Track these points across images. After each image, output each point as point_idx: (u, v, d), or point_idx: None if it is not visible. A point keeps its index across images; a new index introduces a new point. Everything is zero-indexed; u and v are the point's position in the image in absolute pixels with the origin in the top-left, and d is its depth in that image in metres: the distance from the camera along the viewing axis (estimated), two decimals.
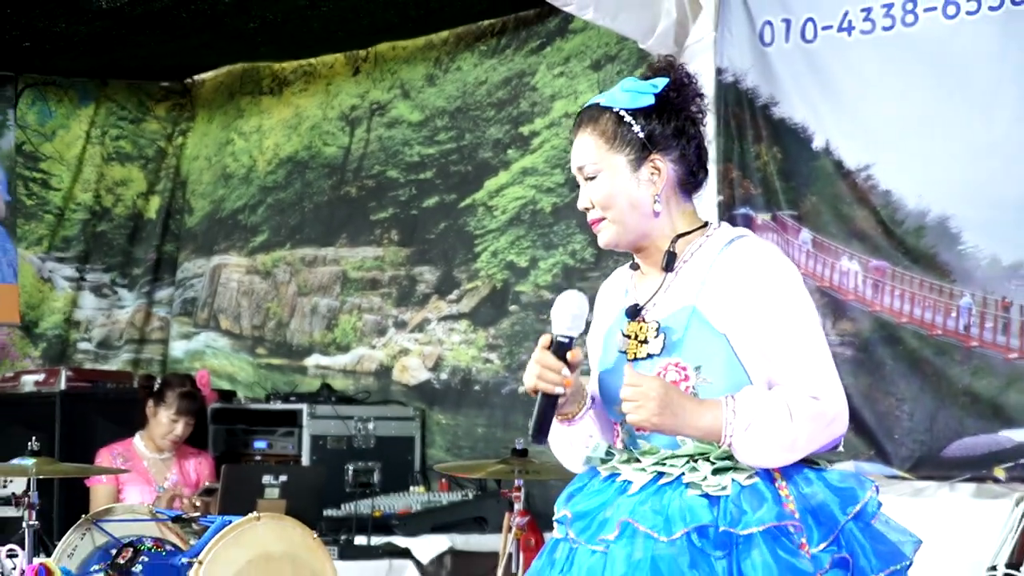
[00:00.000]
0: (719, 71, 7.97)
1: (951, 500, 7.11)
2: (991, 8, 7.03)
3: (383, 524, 8.11)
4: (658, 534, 3.50)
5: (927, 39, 7.24)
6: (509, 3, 8.75)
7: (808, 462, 3.66)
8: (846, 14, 7.49)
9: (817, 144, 7.63)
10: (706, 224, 3.81)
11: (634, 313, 3.76)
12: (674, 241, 3.75)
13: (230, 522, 6.22)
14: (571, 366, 3.68)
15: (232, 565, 6.12)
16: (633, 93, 3.75)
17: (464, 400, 9.27)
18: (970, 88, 7.11)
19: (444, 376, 9.35)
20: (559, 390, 3.66)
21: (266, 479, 7.51)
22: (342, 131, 10.26)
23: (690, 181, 3.80)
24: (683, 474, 3.60)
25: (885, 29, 7.36)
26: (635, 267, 3.89)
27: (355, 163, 10.16)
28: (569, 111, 8.80)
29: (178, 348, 11.18)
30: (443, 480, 8.81)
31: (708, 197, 7.96)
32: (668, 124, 3.74)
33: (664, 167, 3.72)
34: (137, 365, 10.95)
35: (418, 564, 7.67)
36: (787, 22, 7.74)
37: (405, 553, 7.77)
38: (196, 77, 11.23)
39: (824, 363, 3.64)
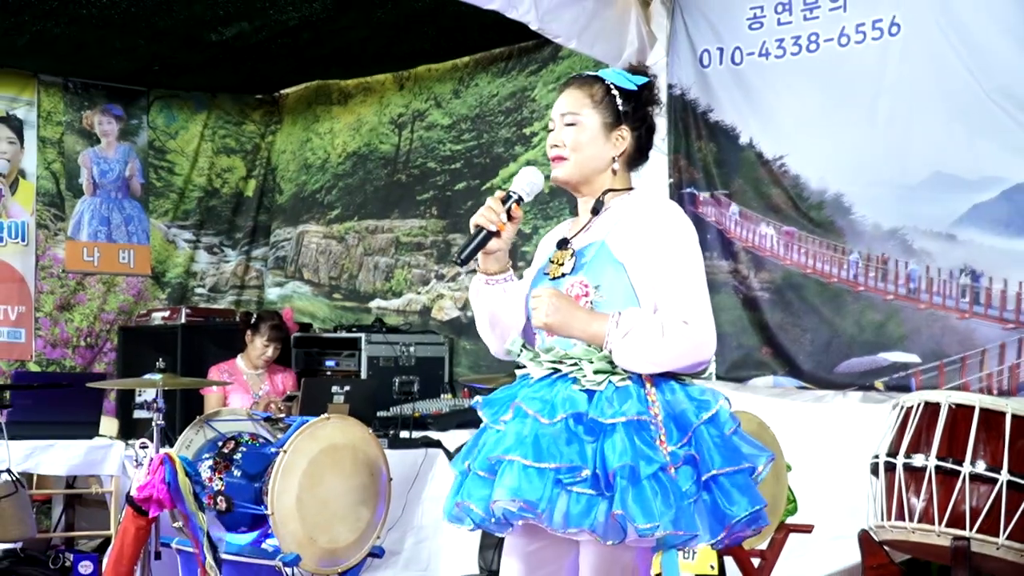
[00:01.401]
0: (670, 86, 7.96)
1: (844, 405, 7.10)
2: (874, 39, 7.04)
3: (420, 422, 8.12)
4: (543, 417, 3.42)
5: (825, 61, 7.25)
6: (514, 35, 8.70)
7: (676, 377, 3.54)
8: (764, 43, 7.49)
9: (743, 140, 7.63)
10: (632, 188, 3.77)
11: (563, 244, 3.70)
12: (605, 193, 3.71)
13: (307, 421, 6.29)
14: (511, 217, 3.64)
15: (308, 453, 6.18)
16: (623, 77, 3.72)
17: None
18: (857, 97, 7.11)
19: (469, 313, 9.33)
20: (492, 228, 3.60)
21: (334, 389, 7.48)
22: (393, 132, 10.24)
23: (636, 157, 3.75)
24: (571, 371, 3.50)
25: (793, 55, 7.37)
26: (575, 214, 3.83)
27: (403, 157, 10.13)
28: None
29: (273, 293, 11.13)
30: (465, 389, 8.82)
31: (661, 179, 7.99)
32: (638, 110, 3.71)
33: (626, 139, 3.69)
34: (238, 305, 10.93)
35: (446, 451, 7.68)
36: (720, 49, 7.74)
37: (437, 444, 7.79)
38: (283, 91, 11.17)
39: (699, 298, 3.51)
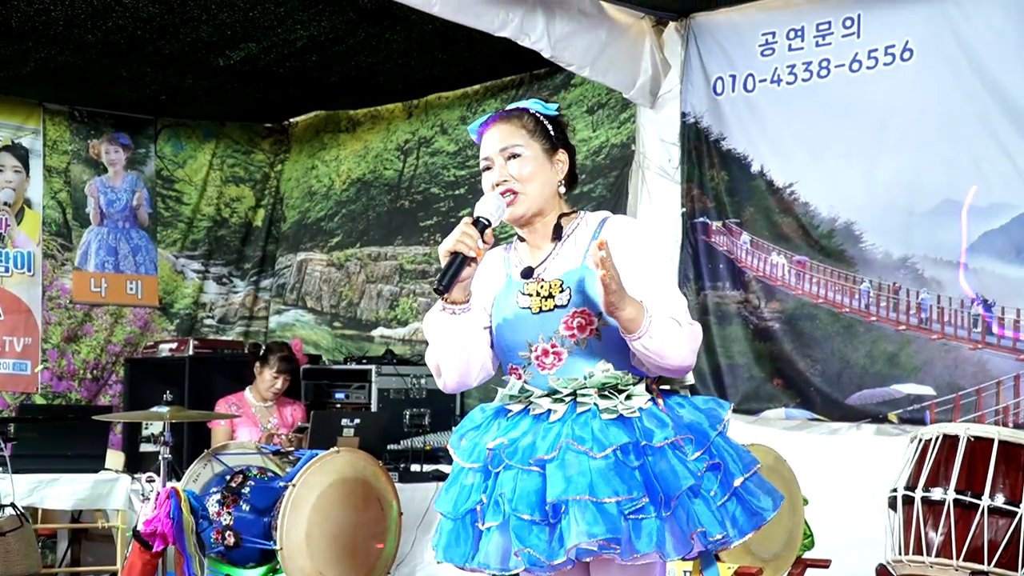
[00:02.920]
0: (683, 114, 7.97)
1: (858, 438, 7.11)
2: (885, 64, 7.04)
3: (432, 455, 8.10)
4: (593, 451, 3.41)
5: (837, 88, 7.26)
6: (525, 63, 8.72)
7: (674, 391, 3.63)
8: (776, 69, 7.50)
9: (754, 168, 7.64)
10: (578, 210, 3.75)
11: (528, 273, 3.65)
12: (560, 218, 3.68)
13: (316, 454, 6.29)
14: (485, 242, 3.54)
15: (318, 487, 6.17)
16: (543, 105, 3.71)
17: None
18: (867, 125, 7.13)
19: None
20: (471, 253, 3.49)
21: (344, 421, 7.44)
22: (397, 159, 10.24)
23: (572, 181, 3.75)
24: (596, 403, 3.50)
25: (804, 81, 7.38)
26: (522, 240, 3.76)
27: (407, 183, 10.15)
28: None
29: (273, 321, 11.15)
30: None
31: (673, 208, 7.99)
32: (563, 134, 3.72)
33: (565, 162, 3.69)
34: (247, 336, 10.94)
35: None
36: (733, 77, 7.75)
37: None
38: (291, 119, 11.19)
39: (685, 302, 3.57)
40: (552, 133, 3.69)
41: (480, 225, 3.53)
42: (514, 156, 3.64)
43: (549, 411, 3.57)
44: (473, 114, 9.61)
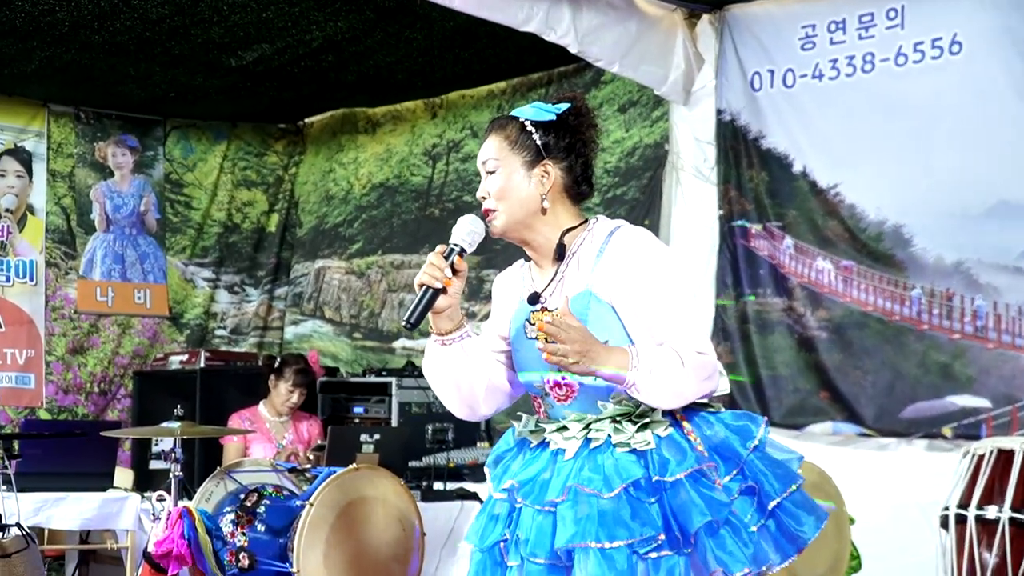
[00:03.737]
0: (719, 111, 7.97)
1: (909, 454, 7.08)
2: (933, 58, 7.03)
3: (456, 473, 8.08)
4: (600, 492, 3.38)
5: (881, 83, 7.25)
6: (554, 59, 8.72)
7: (702, 406, 3.55)
8: (817, 64, 7.49)
9: (796, 168, 7.63)
10: (587, 220, 3.65)
11: (534, 299, 3.57)
12: (563, 235, 3.60)
13: (335, 472, 6.28)
14: (455, 271, 3.54)
15: (336, 506, 6.16)
16: (538, 110, 3.64)
17: None
18: (915, 121, 7.12)
19: None
20: (438, 285, 3.50)
21: (363, 437, 7.43)
22: (426, 164, 10.24)
23: (575, 191, 3.65)
24: (610, 436, 3.46)
25: (848, 76, 7.37)
26: (528, 259, 3.73)
27: (437, 189, 10.13)
28: (603, 146, 8.73)
29: (289, 332, 11.17)
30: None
31: (710, 211, 7.98)
32: (562, 139, 3.61)
33: (553, 172, 3.59)
34: (261, 347, 10.97)
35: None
36: (772, 72, 7.74)
37: (474, 496, 7.74)
38: (306, 120, 11.22)
39: (702, 327, 3.51)
40: (539, 142, 3.61)
41: (451, 253, 3.55)
42: (492, 171, 3.63)
43: (561, 449, 3.55)
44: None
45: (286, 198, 11.31)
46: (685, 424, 3.51)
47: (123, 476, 7.95)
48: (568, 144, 3.64)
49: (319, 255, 11.02)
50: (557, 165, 3.61)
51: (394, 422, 8.84)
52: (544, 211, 3.60)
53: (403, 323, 3.53)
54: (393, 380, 8.99)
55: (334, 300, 10.87)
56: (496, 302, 3.81)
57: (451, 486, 7.84)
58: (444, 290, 3.55)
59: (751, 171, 7.82)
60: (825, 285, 7.48)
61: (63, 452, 7.22)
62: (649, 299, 3.46)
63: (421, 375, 9.15)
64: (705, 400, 3.55)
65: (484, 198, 3.64)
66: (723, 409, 3.60)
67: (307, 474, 6.64)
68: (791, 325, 7.60)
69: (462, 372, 3.67)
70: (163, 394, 9.10)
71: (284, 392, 8.19)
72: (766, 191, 7.75)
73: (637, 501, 3.38)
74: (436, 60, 8.96)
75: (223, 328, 11.01)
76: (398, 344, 10.25)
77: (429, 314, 3.60)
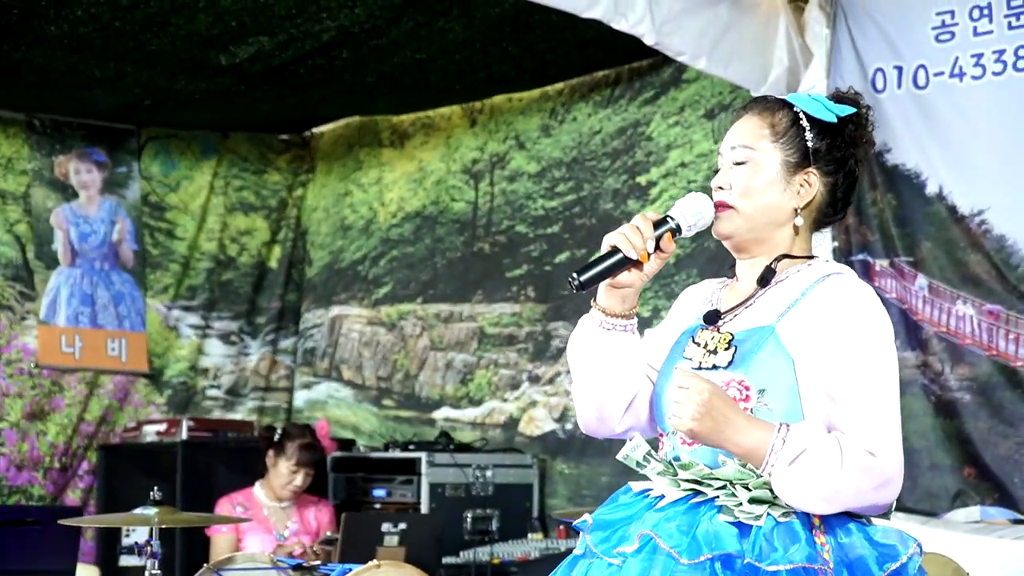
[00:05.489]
0: None
1: None
2: None
3: (502, 571, 8.07)
4: (680, 555, 3.35)
5: None
6: (623, 54, 8.73)
7: (852, 516, 3.47)
8: (956, 60, 7.42)
9: (930, 190, 7.56)
10: (812, 256, 3.69)
11: (713, 318, 3.66)
12: (778, 259, 3.65)
13: (350, 570, 6.21)
14: (661, 249, 3.60)
15: None
16: (820, 105, 3.67)
17: (588, 449, 9.11)
18: None
19: (568, 426, 9.26)
20: (633, 255, 3.56)
21: (385, 527, 7.51)
22: (467, 184, 10.21)
23: (826, 213, 3.71)
24: (718, 496, 3.45)
25: (995, 74, 7.29)
26: (731, 275, 3.79)
27: (484, 218, 10.10)
28: (685, 160, 8.79)
29: (300, 398, 11.15)
30: (560, 527, 8.70)
31: (823, 242, 7.91)
32: (837, 149, 3.66)
33: (816, 185, 3.64)
34: (263, 413, 10.94)
35: None
36: (899, 69, 7.68)
37: None
38: (315, 130, 11.27)
39: (891, 421, 3.44)
40: (810, 144, 3.63)
41: (664, 226, 3.60)
42: (742, 162, 3.68)
43: (660, 496, 3.57)
44: (559, 123, 9.58)
45: (291, 227, 11.33)
46: (817, 524, 3.45)
47: (87, 574, 7.92)
48: (841, 157, 3.68)
49: (334, 300, 11.02)
50: (822, 178, 3.66)
51: (424, 508, 8.81)
52: (796, 229, 3.66)
53: (572, 278, 3.56)
54: (423, 456, 8.96)
55: (354, 358, 10.83)
56: (673, 313, 3.88)
57: None
58: (639, 263, 3.60)
59: (874, 193, 7.76)
60: (967, 335, 7.41)
61: (13, 545, 7.19)
62: (836, 368, 3.46)
63: (459, 449, 9.20)
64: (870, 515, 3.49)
65: (721, 189, 3.69)
66: (873, 522, 3.52)
67: (316, 573, 6.59)
68: (927, 385, 7.54)
69: (613, 366, 3.72)
70: (135, 472, 9.12)
71: (286, 472, 8.20)
72: (893, 219, 7.70)
73: None
74: (478, 57, 8.95)
75: (216, 387, 10.98)
76: (439, 414, 10.17)
77: (603, 284, 3.64)
